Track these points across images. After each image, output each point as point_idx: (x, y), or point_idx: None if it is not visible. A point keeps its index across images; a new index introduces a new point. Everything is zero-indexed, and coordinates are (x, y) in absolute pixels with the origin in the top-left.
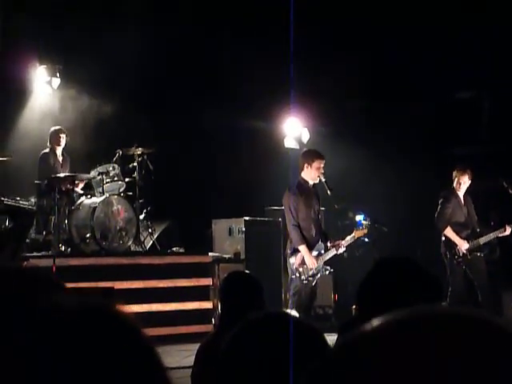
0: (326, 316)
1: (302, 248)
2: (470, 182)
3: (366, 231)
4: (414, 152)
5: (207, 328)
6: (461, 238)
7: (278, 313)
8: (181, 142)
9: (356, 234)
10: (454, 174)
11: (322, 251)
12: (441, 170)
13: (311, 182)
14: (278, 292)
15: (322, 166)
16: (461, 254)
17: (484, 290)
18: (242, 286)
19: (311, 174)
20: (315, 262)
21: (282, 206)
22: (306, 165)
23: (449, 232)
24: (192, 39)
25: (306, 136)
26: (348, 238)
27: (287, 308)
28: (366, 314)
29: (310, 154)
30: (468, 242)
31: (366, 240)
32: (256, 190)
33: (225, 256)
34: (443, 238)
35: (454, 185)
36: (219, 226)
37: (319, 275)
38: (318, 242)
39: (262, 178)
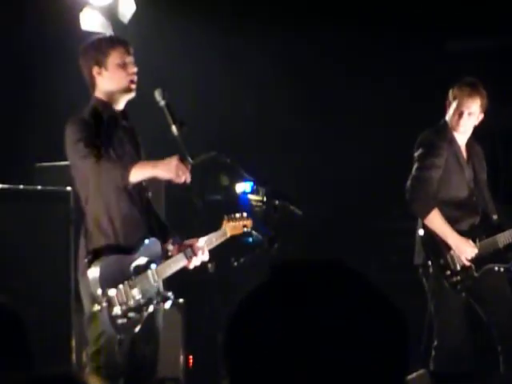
0: None
1: (107, 251)
2: (482, 113)
3: (247, 223)
4: (362, 50)
5: None
6: (460, 232)
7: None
8: None
9: (228, 227)
10: (451, 94)
11: (156, 256)
12: (419, 88)
13: (119, 105)
14: (63, 337)
15: (129, 58)
16: (459, 267)
17: (509, 339)
18: None
19: (114, 83)
20: (144, 281)
21: (67, 159)
22: (95, 69)
23: (435, 219)
24: None
25: (127, 6)
26: (213, 234)
27: (87, 373)
28: None
29: (96, 44)
30: (475, 242)
31: (255, 234)
32: (15, 126)
33: None
34: (421, 233)
35: (449, 118)
36: None
37: (152, 308)
38: (145, 236)
39: (27, 98)
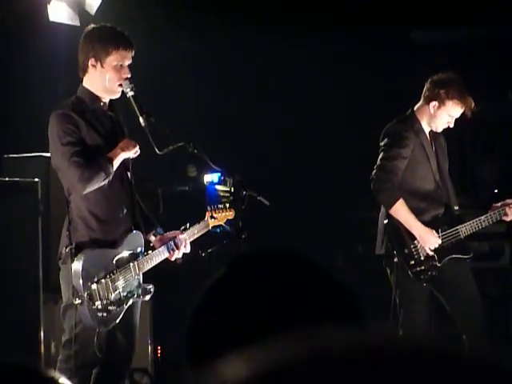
0: None
1: (90, 244)
2: (454, 116)
3: (230, 214)
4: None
5: None
6: (423, 223)
7: None
8: None
9: (211, 217)
10: (442, 95)
11: (138, 249)
12: (386, 79)
13: (105, 98)
14: (32, 329)
15: (127, 62)
16: (422, 257)
17: (472, 332)
18: None
19: (105, 81)
20: (126, 275)
21: (45, 150)
22: (91, 60)
23: (400, 209)
24: None
25: None
26: (196, 226)
27: (56, 368)
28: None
29: (102, 37)
30: (437, 233)
31: (224, 226)
32: None
33: None
34: (385, 222)
35: (429, 116)
36: None
37: (132, 301)
38: (129, 229)
39: None
